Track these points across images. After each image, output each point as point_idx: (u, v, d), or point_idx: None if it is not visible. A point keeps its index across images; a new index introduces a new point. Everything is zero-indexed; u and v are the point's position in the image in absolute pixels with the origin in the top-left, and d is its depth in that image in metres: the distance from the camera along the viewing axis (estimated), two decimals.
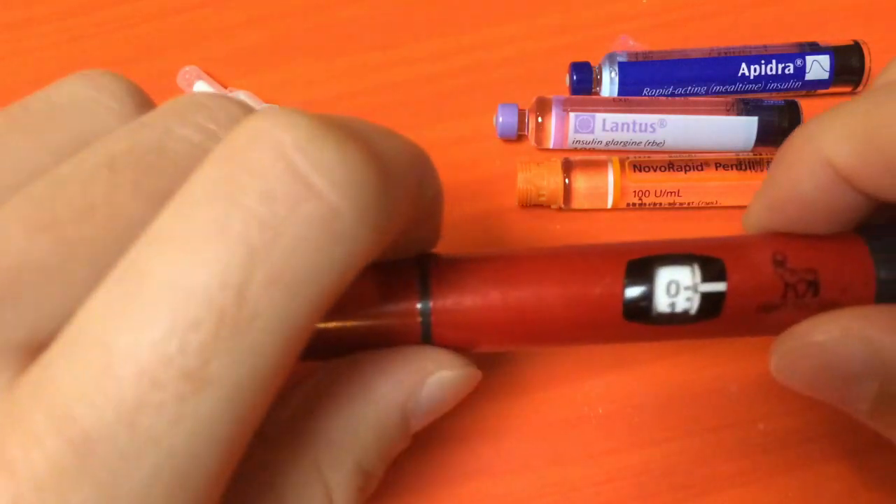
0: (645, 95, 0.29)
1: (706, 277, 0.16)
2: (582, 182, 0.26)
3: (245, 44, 0.33)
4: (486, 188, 0.28)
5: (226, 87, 0.31)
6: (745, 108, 0.27)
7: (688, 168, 0.26)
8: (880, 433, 0.16)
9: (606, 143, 0.28)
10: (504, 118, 0.28)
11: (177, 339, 0.10)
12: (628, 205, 0.27)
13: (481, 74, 0.31)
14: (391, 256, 0.16)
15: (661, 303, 0.16)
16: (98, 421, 0.10)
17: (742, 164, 0.26)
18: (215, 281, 0.10)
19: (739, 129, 0.27)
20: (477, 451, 0.23)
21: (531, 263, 0.17)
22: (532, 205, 0.27)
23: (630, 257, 0.16)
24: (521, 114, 0.28)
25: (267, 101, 0.29)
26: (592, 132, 0.28)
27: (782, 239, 0.17)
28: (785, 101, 0.27)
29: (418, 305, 0.16)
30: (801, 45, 0.29)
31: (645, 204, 0.27)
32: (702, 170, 0.26)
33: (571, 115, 0.28)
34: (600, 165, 0.27)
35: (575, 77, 0.29)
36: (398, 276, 0.16)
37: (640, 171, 0.26)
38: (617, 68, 0.29)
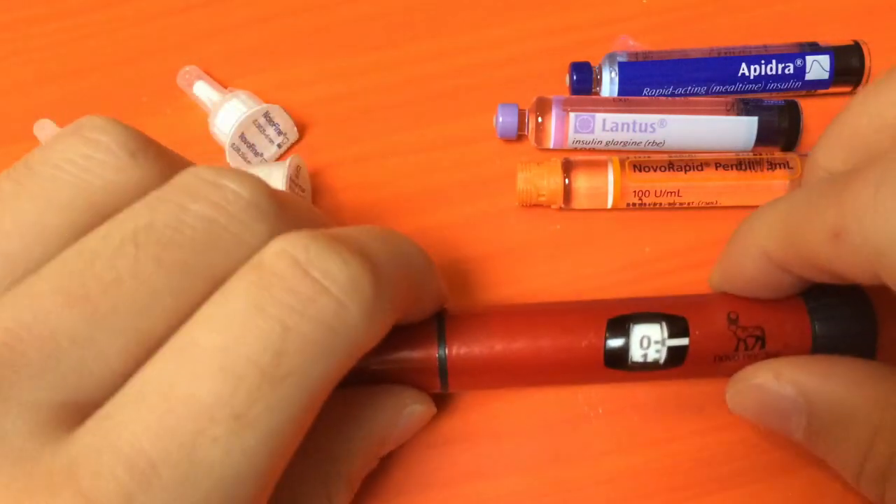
0: (645, 95, 0.29)
1: (672, 333, 0.20)
2: (582, 182, 0.26)
3: (245, 44, 0.33)
4: (486, 188, 0.28)
5: (226, 87, 0.31)
6: (745, 108, 0.27)
7: (688, 168, 0.26)
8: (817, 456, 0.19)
9: (606, 143, 0.28)
10: (504, 118, 0.28)
11: (230, 387, 0.12)
12: (628, 205, 0.27)
13: (481, 74, 0.31)
14: (413, 320, 0.20)
15: (636, 353, 0.20)
16: (163, 451, 0.12)
17: (742, 164, 0.26)
18: (257, 346, 0.13)
19: (739, 129, 0.27)
20: (477, 451, 0.23)
21: (528, 319, 0.20)
22: (532, 205, 0.27)
23: (610, 315, 0.20)
24: (521, 114, 0.28)
25: (267, 101, 0.29)
26: (592, 132, 0.28)
27: (736, 300, 0.20)
28: (785, 101, 0.27)
29: (437, 354, 0.20)
30: (801, 45, 0.29)
31: (645, 204, 0.27)
32: (702, 170, 0.26)
33: (571, 115, 0.28)
34: (600, 165, 0.27)
35: (575, 77, 0.29)
36: (420, 331, 0.20)
37: (640, 171, 0.26)
38: (617, 68, 0.29)
